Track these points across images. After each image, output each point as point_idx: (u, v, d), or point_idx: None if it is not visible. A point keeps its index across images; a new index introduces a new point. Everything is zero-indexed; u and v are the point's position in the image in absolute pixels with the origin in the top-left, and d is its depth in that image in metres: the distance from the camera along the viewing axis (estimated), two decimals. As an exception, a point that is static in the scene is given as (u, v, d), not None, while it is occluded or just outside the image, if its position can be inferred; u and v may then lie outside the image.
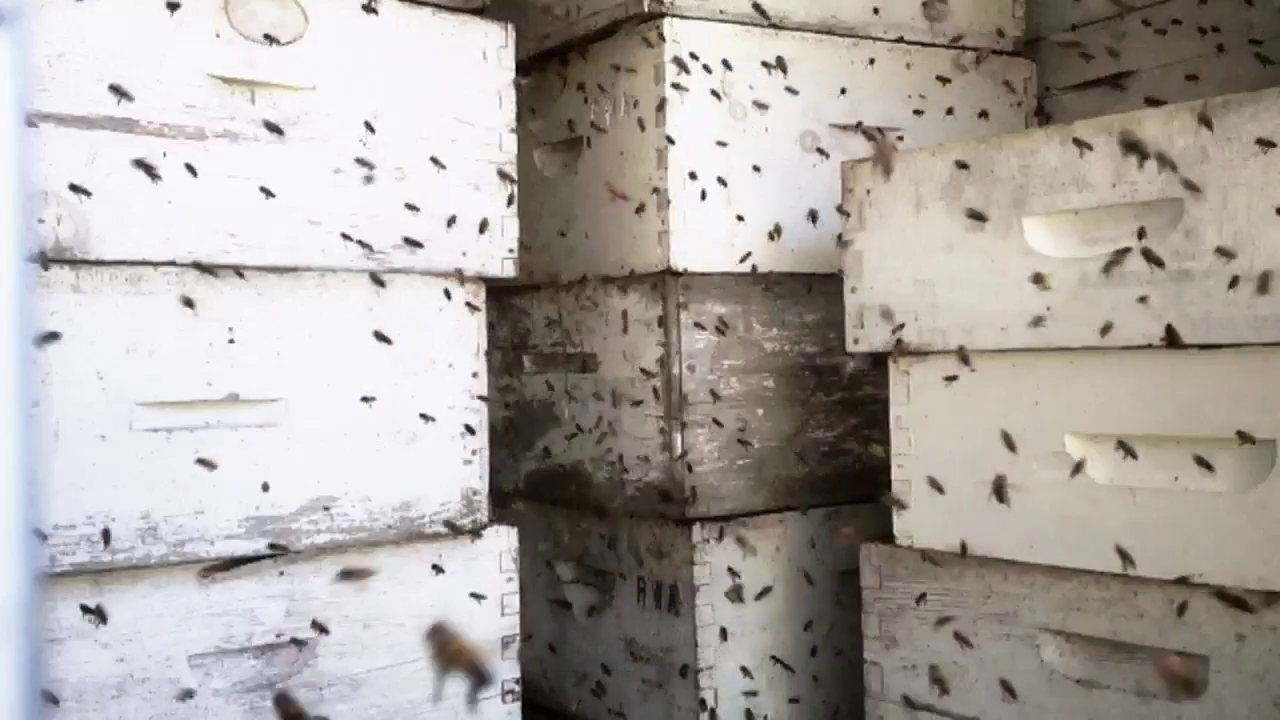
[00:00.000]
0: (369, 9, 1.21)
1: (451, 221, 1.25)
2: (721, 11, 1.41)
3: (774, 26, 1.44)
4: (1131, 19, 1.54)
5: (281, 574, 1.15)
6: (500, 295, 1.60)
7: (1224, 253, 0.97)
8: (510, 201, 1.30)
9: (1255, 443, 0.96)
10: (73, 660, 1.05)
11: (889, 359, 1.22)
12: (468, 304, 1.27)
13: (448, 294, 1.26)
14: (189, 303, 1.10)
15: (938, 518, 1.18)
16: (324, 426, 1.18)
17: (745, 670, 1.39)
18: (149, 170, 1.08)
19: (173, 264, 1.10)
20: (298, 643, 1.16)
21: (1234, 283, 0.96)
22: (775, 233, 1.43)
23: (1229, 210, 0.97)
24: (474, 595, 1.26)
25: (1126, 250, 1.03)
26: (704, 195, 1.38)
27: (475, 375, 1.27)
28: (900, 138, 1.51)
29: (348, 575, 1.16)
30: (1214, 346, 0.98)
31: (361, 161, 1.20)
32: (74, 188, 1.05)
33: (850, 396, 1.47)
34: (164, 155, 1.10)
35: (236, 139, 1.14)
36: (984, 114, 1.58)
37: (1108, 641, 1.06)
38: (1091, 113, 1.51)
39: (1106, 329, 1.04)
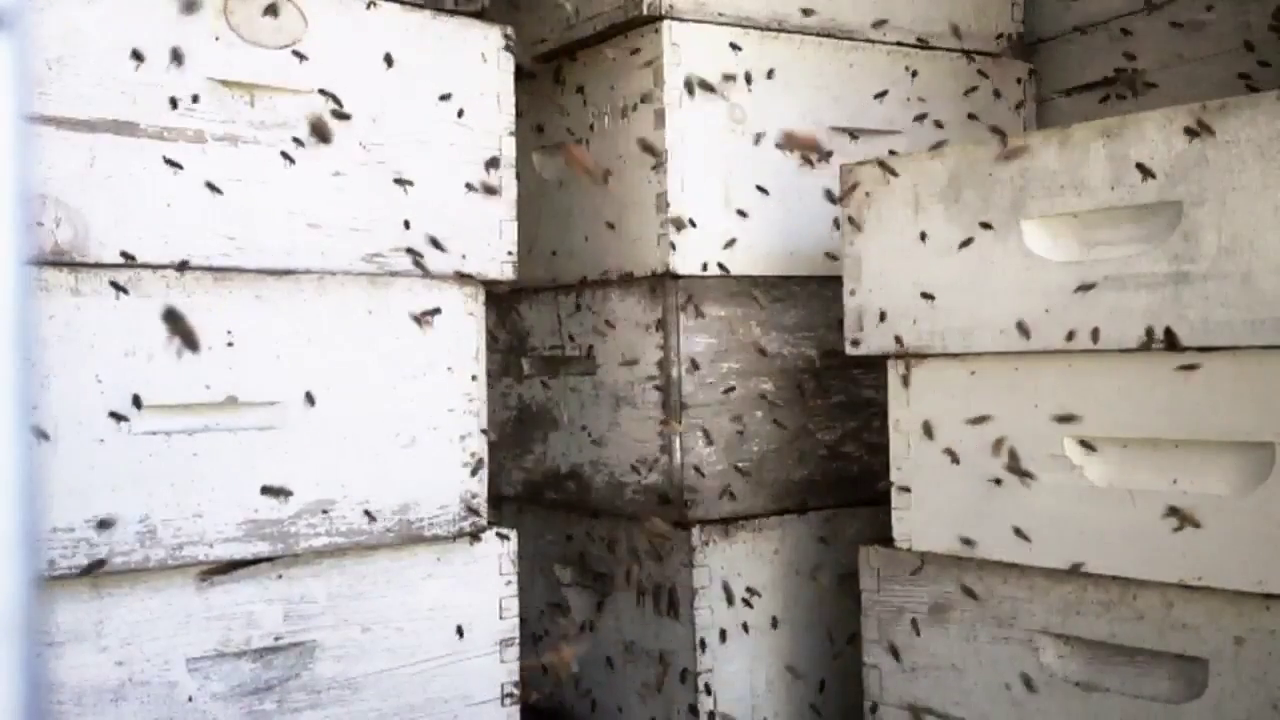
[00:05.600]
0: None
1: (451, 224, 1.25)
2: (720, 14, 1.41)
3: (773, 29, 1.44)
4: (1130, 21, 1.54)
5: (280, 577, 1.15)
6: (499, 298, 1.60)
7: (1223, 255, 0.97)
8: (510, 205, 1.30)
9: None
10: (71, 664, 1.05)
11: (888, 362, 1.23)
12: (467, 307, 1.27)
13: (447, 297, 1.26)
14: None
15: (937, 521, 1.18)
16: (323, 430, 1.17)
17: (744, 673, 1.39)
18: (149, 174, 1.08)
19: (172, 267, 1.10)
20: (296, 646, 1.16)
21: (1233, 286, 0.96)
22: (774, 235, 1.43)
23: (1228, 213, 0.97)
24: (473, 598, 1.26)
25: (1125, 253, 1.03)
26: (703, 198, 1.39)
27: (474, 378, 1.27)
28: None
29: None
30: (1212, 349, 0.98)
31: (360, 164, 1.20)
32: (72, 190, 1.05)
33: (849, 399, 1.47)
34: (163, 158, 1.10)
35: (236, 142, 1.14)
36: (983, 117, 1.58)
37: (1106, 644, 1.06)
38: (1090, 116, 1.51)
39: (1105, 332, 1.04)
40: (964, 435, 1.16)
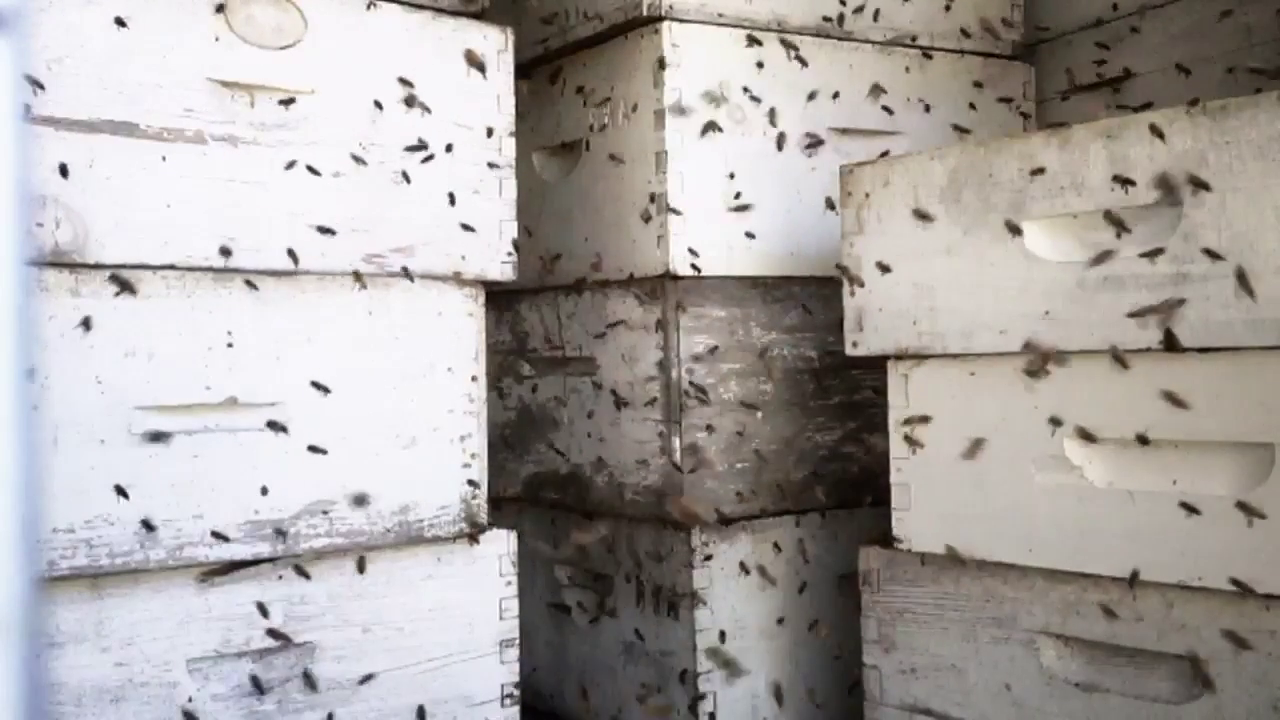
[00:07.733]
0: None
1: (450, 225, 1.25)
2: (720, 15, 1.41)
3: (773, 30, 1.44)
4: (1130, 22, 1.54)
5: (280, 577, 1.15)
6: (499, 299, 1.60)
7: (1222, 256, 0.97)
8: (509, 205, 1.30)
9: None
10: (71, 664, 1.05)
11: (888, 362, 1.23)
12: (466, 308, 1.27)
13: (447, 298, 1.26)
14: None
15: (936, 521, 1.18)
16: (323, 430, 1.18)
17: (744, 674, 1.39)
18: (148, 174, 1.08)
19: (172, 268, 1.10)
20: (296, 646, 1.16)
21: (1232, 286, 0.96)
22: (774, 236, 1.43)
23: (1227, 214, 0.97)
24: (473, 599, 1.26)
25: (1125, 254, 1.03)
26: (703, 198, 1.39)
27: (474, 379, 1.27)
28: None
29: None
30: (1212, 350, 0.98)
31: (361, 164, 1.20)
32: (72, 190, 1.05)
33: (849, 400, 1.47)
34: (163, 159, 1.10)
35: (236, 143, 1.14)
36: (983, 118, 1.58)
37: (1106, 645, 1.06)
38: (1090, 116, 1.51)
39: (1105, 332, 1.04)
40: (964, 436, 1.16)
